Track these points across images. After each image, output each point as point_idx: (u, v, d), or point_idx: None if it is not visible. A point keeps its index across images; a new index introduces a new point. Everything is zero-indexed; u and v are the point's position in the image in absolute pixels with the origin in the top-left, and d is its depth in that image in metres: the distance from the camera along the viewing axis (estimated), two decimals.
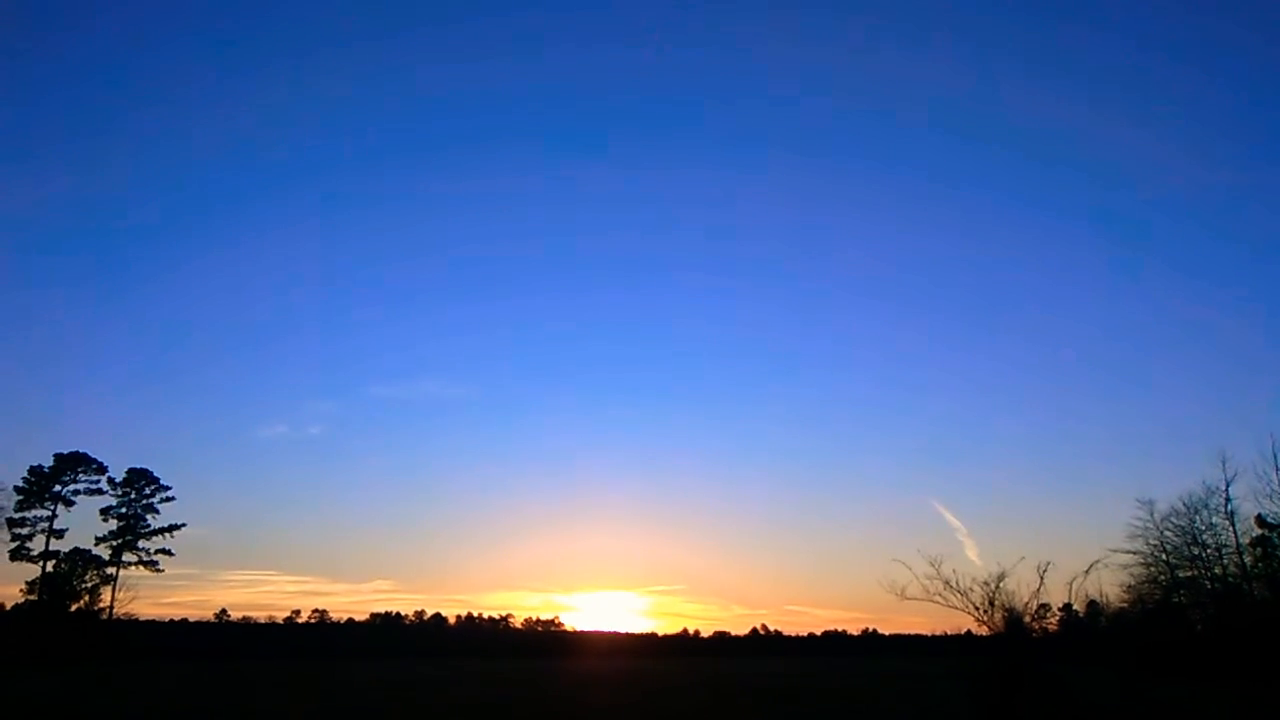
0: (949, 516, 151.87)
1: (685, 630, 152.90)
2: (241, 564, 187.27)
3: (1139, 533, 52.24)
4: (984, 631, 28.30)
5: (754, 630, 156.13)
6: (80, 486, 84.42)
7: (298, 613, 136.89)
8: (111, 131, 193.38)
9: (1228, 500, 48.64)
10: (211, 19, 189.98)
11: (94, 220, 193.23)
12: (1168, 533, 51.67)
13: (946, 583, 27.92)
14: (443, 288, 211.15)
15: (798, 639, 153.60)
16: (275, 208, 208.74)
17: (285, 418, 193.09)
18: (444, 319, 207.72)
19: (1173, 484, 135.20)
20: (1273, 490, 46.95)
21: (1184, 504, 50.78)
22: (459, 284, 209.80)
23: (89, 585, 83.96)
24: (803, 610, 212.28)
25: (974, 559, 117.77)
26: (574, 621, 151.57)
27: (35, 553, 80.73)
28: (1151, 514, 51.45)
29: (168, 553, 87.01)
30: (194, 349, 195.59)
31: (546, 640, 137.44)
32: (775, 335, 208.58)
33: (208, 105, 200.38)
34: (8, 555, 79.55)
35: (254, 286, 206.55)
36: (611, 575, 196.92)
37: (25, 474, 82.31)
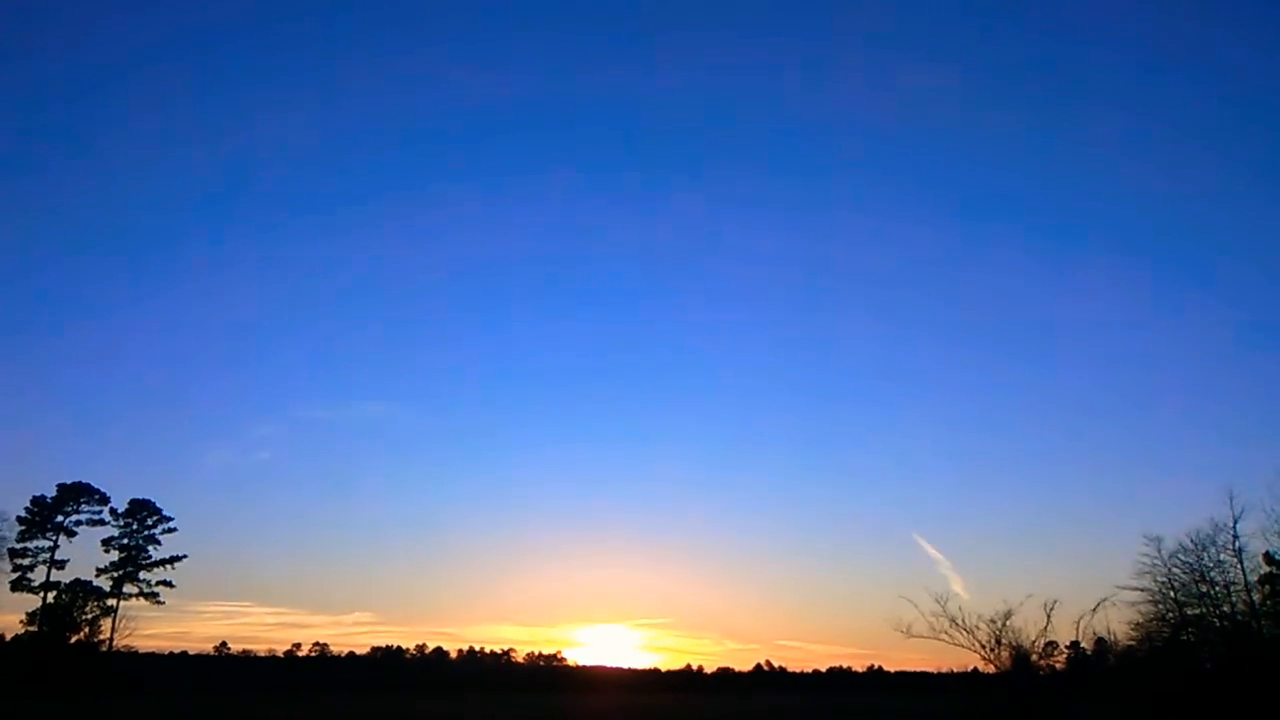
0: (929, 548, 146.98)
1: (689, 666, 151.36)
2: (215, 595, 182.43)
3: (1147, 569, 51.65)
4: (991, 669, 28.20)
5: (758, 666, 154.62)
6: (82, 517, 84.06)
7: (298, 646, 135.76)
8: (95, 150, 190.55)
9: (1235, 537, 48.28)
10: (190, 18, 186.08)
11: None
12: (1175, 570, 51.15)
13: (953, 620, 27.92)
14: (423, 309, 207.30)
15: (804, 675, 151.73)
16: (239, 223, 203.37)
17: (274, 431, 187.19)
18: (425, 343, 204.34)
19: (1180, 520, 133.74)
20: None
21: (1191, 540, 50.34)
22: (438, 305, 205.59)
23: (89, 616, 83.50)
24: (796, 645, 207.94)
25: (959, 592, 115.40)
26: (574, 656, 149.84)
27: (36, 583, 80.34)
28: (1159, 550, 50.96)
29: (169, 584, 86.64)
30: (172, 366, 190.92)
31: (552, 676, 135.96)
32: (769, 362, 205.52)
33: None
34: (9, 586, 79.23)
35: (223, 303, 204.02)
36: (598, 609, 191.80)
37: (28, 504, 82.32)
